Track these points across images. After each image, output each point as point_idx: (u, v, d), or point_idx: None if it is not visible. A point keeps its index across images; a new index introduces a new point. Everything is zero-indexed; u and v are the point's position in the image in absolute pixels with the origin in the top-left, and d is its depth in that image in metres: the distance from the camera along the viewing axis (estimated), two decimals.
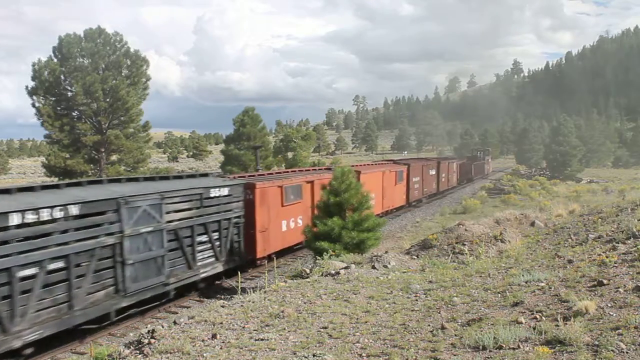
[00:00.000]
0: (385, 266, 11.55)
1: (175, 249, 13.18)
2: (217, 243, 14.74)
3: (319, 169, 24.68)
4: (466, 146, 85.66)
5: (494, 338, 5.95)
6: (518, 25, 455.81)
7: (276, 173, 20.77)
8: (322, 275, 11.03)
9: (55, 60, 30.18)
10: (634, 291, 6.89)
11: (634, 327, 5.71)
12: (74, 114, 30.90)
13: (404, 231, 25.71)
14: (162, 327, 7.86)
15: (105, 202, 11.09)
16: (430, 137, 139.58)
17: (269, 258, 17.64)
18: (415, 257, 12.85)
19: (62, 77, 30.33)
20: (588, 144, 73.74)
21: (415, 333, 6.82)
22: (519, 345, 5.79)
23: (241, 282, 12.70)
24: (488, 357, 5.69)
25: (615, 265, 8.41)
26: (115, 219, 11.20)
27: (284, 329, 7.34)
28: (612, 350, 5.28)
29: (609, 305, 6.61)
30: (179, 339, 7.10)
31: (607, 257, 8.90)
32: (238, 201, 15.57)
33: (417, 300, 8.53)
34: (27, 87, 29.59)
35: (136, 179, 13.55)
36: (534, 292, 7.88)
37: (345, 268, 11.32)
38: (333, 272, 10.98)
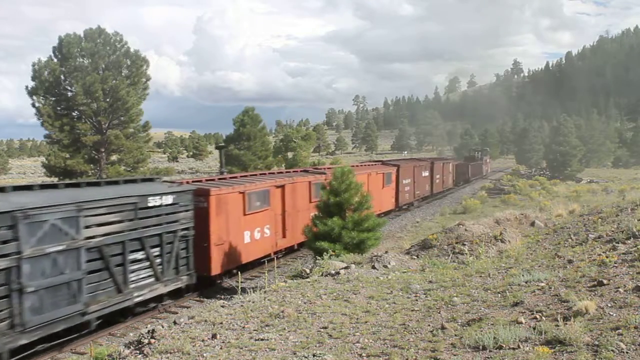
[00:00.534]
0: (385, 266, 11.55)
1: (99, 270, 11.00)
2: (158, 260, 12.62)
3: (295, 171, 22.31)
4: (466, 146, 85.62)
5: (494, 338, 5.95)
6: (518, 25, 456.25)
7: (241, 177, 18.38)
8: (322, 275, 11.04)
9: (55, 60, 30.19)
10: (634, 291, 6.89)
11: (634, 327, 5.71)
12: (74, 114, 30.89)
13: (404, 231, 25.70)
14: (162, 327, 7.86)
15: None
16: (430, 137, 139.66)
17: (230, 274, 15.85)
18: (415, 257, 12.85)
19: (62, 77, 30.34)
20: (588, 144, 73.74)
21: (415, 333, 6.82)
22: (519, 345, 5.79)
23: (241, 282, 12.70)
24: (488, 357, 5.69)
25: (615, 265, 8.41)
26: (9, 237, 9.12)
27: (284, 329, 7.34)
28: (612, 350, 5.28)
29: (609, 305, 6.61)
30: (179, 339, 7.10)
31: (607, 257, 8.90)
32: (186, 210, 13.47)
33: (417, 300, 8.53)
34: (27, 87, 29.61)
35: (54, 186, 11.36)
36: (534, 292, 7.88)
37: (345, 268, 11.33)
38: (333, 272, 10.98)
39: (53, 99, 30.24)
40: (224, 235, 15.10)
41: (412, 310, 7.90)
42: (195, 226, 13.87)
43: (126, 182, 12.98)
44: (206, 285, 15.11)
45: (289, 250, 19.82)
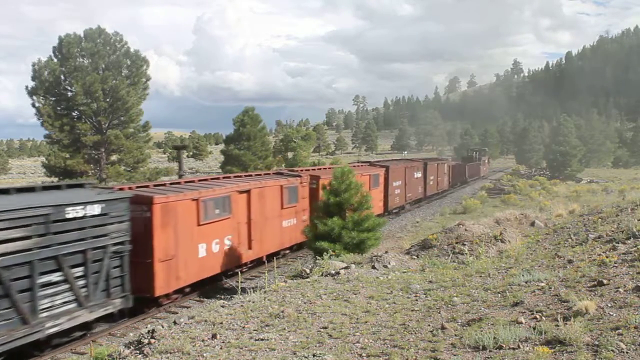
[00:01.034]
0: (385, 266, 11.56)
1: None
2: (82, 282, 10.59)
3: (266, 174, 20.07)
4: (466, 146, 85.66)
5: (494, 338, 5.95)
6: (518, 25, 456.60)
7: (199, 181, 16.25)
8: (322, 275, 11.04)
9: (55, 60, 30.20)
10: (634, 291, 6.89)
11: (634, 327, 5.71)
12: (74, 114, 30.89)
13: (404, 231, 25.70)
14: (162, 327, 7.86)
15: None
16: (430, 137, 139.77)
17: (183, 292, 14.21)
18: (415, 257, 12.85)
19: (62, 77, 30.35)
20: (588, 144, 73.80)
21: (415, 333, 6.82)
22: (519, 345, 5.79)
23: (241, 282, 12.70)
24: (488, 357, 5.69)
25: (615, 265, 8.41)
26: None
27: (284, 329, 7.34)
28: (612, 350, 5.28)
29: (609, 305, 6.61)
30: (179, 339, 7.10)
31: (607, 257, 8.90)
32: (120, 222, 11.49)
33: (417, 300, 8.54)
34: (27, 87, 29.61)
35: None
36: (534, 292, 7.88)
37: (345, 268, 11.33)
38: (333, 272, 10.99)
39: (53, 99, 30.24)
40: (172, 250, 13.08)
41: (412, 310, 7.90)
42: (135, 240, 11.92)
43: (45, 189, 10.88)
44: (151, 307, 13.24)
45: (257, 263, 17.54)
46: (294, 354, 6.34)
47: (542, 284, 8.15)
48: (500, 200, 36.57)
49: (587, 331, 5.86)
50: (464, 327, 6.79)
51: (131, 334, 11.10)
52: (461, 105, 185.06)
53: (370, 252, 14.07)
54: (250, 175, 18.75)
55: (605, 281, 7.52)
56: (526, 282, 8.45)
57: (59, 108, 30.46)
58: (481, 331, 6.34)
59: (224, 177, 17.60)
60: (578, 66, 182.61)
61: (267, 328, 7.43)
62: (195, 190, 14.18)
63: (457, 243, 13.26)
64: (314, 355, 6.15)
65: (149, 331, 7.60)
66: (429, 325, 7.10)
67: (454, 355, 5.89)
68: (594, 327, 6.00)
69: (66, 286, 10.29)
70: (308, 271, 12.71)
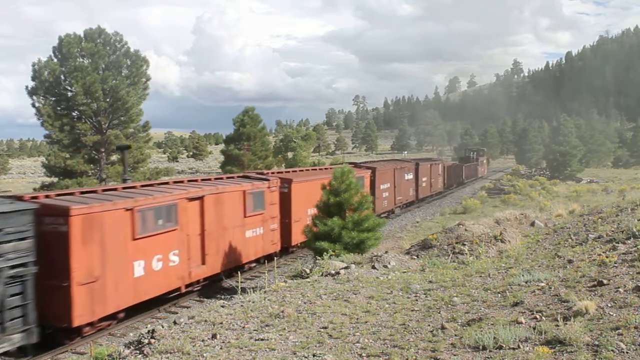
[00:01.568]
0: (385, 266, 11.56)
1: None
2: None
3: (229, 177, 17.76)
4: (466, 146, 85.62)
5: (494, 338, 5.95)
6: (517, 25, 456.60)
7: (142, 186, 14.02)
8: (322, 275, 11.04)
9: (55, 60, 30.19)
10: (634, 291, 6.90)
11: (634, 327, 5.71)
12: (74, 114, 30.87)
13: (404, 231, 25.71)
14: (162, 327, 7.87)
15: None
16: (430, 137, 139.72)
17: (115, 318, 11.96)
18: (415, 257, 12.86)
19: (62, 77, 30.33)
20: (588, 144, 73.82)
21: (415, 333, 6.82)
22: (519, 345, 5.80)
23: (241, 282, 12.70)
24: (488, 357, 5.69)
25: (615, 265, 8.41)
26: None
27: (284, 329, 7.34)
28: (612, 350, 5.28)
29: (609, 305, 6.61)
30: (179, 339, 7.10)
31: (607, 257, 8.90)
32: (20, 239, 9.46)
33: (417, 300, 8.54)
34: (27, 87, 29.60)
35: None
36: (534, 292, 7.88)
37: (345, 268, 11.33)
38: (333, 272, 10.99)
39: (53, 99, 30.23)
40: (96, 270, 11.01)
41: (412, 310, 7.91)
42: (48, 259, 10.10)
43: None
44: (73, 338, 11.18)
45: (214, 280, 15.49)
46: (294, 354, 6.35)
47: (542, 284, 8.15)
48: (500, 200, 36.58)
49: (587, 331, 5.86)
50: (464, 327, 6.79)
51: (131, 334, 11.10)
52: (461, 105, 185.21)
53: (370, 252, 14.08)
54: (209, 180, 16.46)
55: (605, 281, 7.52)
56: (526, 282, 8.45)
57: (59, 108, 30.44)
58: (481, 331, 6.34)
59: (175, 182, 15.29)
60: (578, 66, 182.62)
61: (267, 328, 7.43)
62: (130, 198, 12.11)
63: (457, 243, 13.26)
64: (314, 355, 6.15)
65: (149, 331, 7.61)
66: (429, 325, 7.11)
67: (454, 355, 5.89)
68: (594, 327, 6.00)
69: None
70: (308, 271, 12.72)
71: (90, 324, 11.26)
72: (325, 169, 25.02)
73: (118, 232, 11.57)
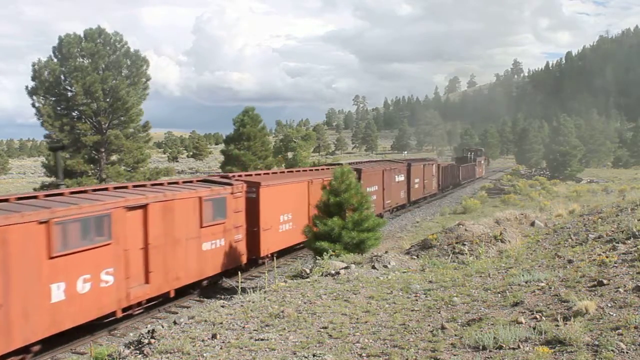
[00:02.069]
0: (385, 266, 11.56)
1: None
2: None
3: (186, 182, 15.51)
4: (465, 146, 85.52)
5: (494, 338, 5.96)
6: (517, 25, 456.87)
7: (72, 193, 12.01)
8: (322, 275, 11.04)
9: (55, 60, 30.19)
10: (634, 291, 6.90)
11: (634, 327, 5.71)
12: (74, 114, 30.88)
13: (404, 231, 25.72)
14: (162, 327, 7.87)
15: None
16: (430, 137, 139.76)
17: (29, 351, 10.08)
18: (415, 257, 12.85)
19: (62, 77, 30.34)
20: (588, 144, 73.84)
21: (415, 333, 6.82)
22: (519, 345, 5.80)
23: (241, 282, 12.70)
24: (488, 357, 5.69)
25: (615, 265, 8.41)
26: None
27: (284, 329, 7.34)
28: (612, 350, 5.28)
29: (609, 305, 6.61)
30: (179, 339, 7.10)
31: (607, 257, 8.90)
32: None
33: (417, 300, 8.54)
34: (27, 87, 29.60)
35: None
36: (534, 292, 7.88)
37: (345, 268, 11.33)
38: (333, 272, 10.99)
39: (53, 99, 30.23)
40: None
41: (412, 310, 7.91)
42: None
43: None
44: None
45: (163, 300, 13.61)
46: (294, 354, 6.35)
47: (542, 284, 8.15)
48: (500, 200, 36.60)
49: (587, 331, 5.87)
50: (464, 327, 6.79)
51: (131, 334, 11.12)
52: (461, 105, 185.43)
53: (370, 252, 14.08)
54: (161, 184, 14.46)
55: (605, 281, 7.52)
56: (526, 282, 8.45)
57: (59, 108, 30.44)
58: (481, 331, 6.35)
59: (117, 187, 13.26)
60: (578, 66, 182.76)
61: (267, 328, 7.43)
62: (46, 208, 10.14)
63: (457, 243, 13.26)
64: (314, 355, 6.15)
65: (149, 331, 7.61)
66: (429, 325, 7.11)
67: (454, 355, 5.89)
68: (594, 327, 6.00)
69: None
70: (308, 271, 12.72)
71: None
72: (303, 170, 23.41)
73: (28, 249, 9.74)
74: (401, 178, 32.40)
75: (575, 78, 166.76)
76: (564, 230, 13.67)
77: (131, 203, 12.08)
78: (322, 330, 7.22)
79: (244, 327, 7.53)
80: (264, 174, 19.61)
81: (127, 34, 35.61)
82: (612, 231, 11.20)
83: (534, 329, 6.23)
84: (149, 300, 12.94)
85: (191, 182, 15.63)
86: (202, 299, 14.55)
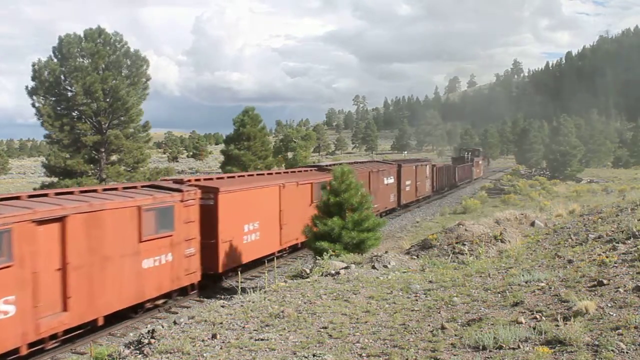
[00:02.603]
0: (385, 266, 11.56)
1: None
2: None
3: (128, 187, 13.46)
4: (464, 146, 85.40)
5: (494, 338, 5.95)
6: (517, 25, 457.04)
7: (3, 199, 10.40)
8: (322, 275, 11.04)
9: (55, 60, 30.20)
10: (634, 291, 6.90)
11: (634, 327, 5.71)
12: (74, 114, 30.88)
13: (404, 231, 25.72)
14: (162, 327, 7.87)
15: None
16: (430, 137, 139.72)
17: None
18: (415, 257, 12.85)
19: (62, 77, 30.35)
20: (588, 144, 73.82)
21: (415, 333, 6.82)
22: (519, 345, 5.80)
23: (241, 282, 12.70)
24: (488, 357, 5.69)
25: (615, 265, 8.41)
26: None
27: (284, 329, 7.34)
28: (612, 350, 5.28)
29: (609, 305, 6.61)
30: (179, 339, 7.10)
31: (607, 257, 8.90)
32: None
33: (417, 300, 8.54)
34: (27, 87, 29.61)
35: None
36: (534, 292, 7.88)
37: (345, 268, 11.33)
38: (333, 272, 10.99)
39: (53, 99, 30.24)
40: None
41: (412, 310, 7.90)
42: None
43: None
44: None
45: (91, 329, 11.56)
46: (294, 354, 6.35)
47: (542, 284, 8.15)
48: (500, 200, 36.61)
49: (587, 331, 5.87)
50: (464, 327, 6.79)
51: (131, 334, 11.12)
52: (461, 105, 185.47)
53: (370, 252, 14.08)
54: (95, 191, 12.37)
55: (605, 281, 7.52)
56: (526, 282, 8.45)
57: (59, 108, 30.45)
58: (481, 331, 6.34)
59: (29, 197, 10.90)
60: (578, 66, 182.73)
61: (267, 328, 7.43)
62: None
63: (457, 243, 13.26)
64: (314, 355, 6.15)
65: (149, 331, 7.61)
66: (429, 325, 7.10)
67: (454, 355, 5.89)
68: (594, 327, 6.00)
69: None
70: (308, 271, 12.72)
71: None
72: (276, 173, 21.22)
73: None
74: (390, 180, 30.49)
75: (575, 78, 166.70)
76: (564, 230, 13.67)
77: (42, 215, 9.88)
78: (322, 330, 7.22)
79: (244, 327, 7.53)
80: (228, 177, 17.91)
81: (127, 34, 35.61)
82: (612, 231, 11.20)
83: (534, 329, 6.23)
84: (68, 331, 10.79)
85: (135, 187, 13.59)
86: (202, 299, 14.56)
